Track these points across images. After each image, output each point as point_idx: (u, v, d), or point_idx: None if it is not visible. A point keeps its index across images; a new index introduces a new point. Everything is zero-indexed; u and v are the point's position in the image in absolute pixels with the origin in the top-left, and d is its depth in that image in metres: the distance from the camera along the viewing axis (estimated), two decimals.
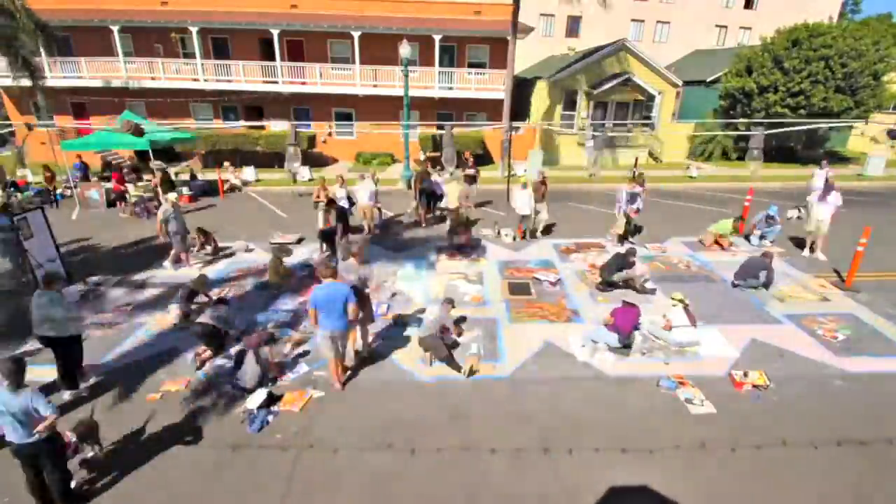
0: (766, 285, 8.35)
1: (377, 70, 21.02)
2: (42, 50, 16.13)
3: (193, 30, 20.04)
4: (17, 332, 6.91)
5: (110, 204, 14.87)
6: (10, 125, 15.77)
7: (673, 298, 7.25)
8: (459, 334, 6.93)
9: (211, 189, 16.68)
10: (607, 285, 8.41)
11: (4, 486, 4.38)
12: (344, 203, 10.92)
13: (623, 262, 8.37)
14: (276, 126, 22.37)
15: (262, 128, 22.44)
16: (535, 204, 11.00)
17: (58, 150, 15.90)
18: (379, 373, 6.16)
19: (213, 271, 9.51)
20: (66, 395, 5.59)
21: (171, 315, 7.48)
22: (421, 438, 4.98)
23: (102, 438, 4.74)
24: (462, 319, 7.35)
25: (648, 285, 8.57)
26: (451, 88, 21.33)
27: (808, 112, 19.47)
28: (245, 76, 20.98)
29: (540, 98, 21.67)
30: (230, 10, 21.25)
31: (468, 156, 20.15)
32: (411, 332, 7.04)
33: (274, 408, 5.40)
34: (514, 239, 11.23)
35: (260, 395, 5.39)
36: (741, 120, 20.69)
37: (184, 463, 4.69)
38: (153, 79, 20.84)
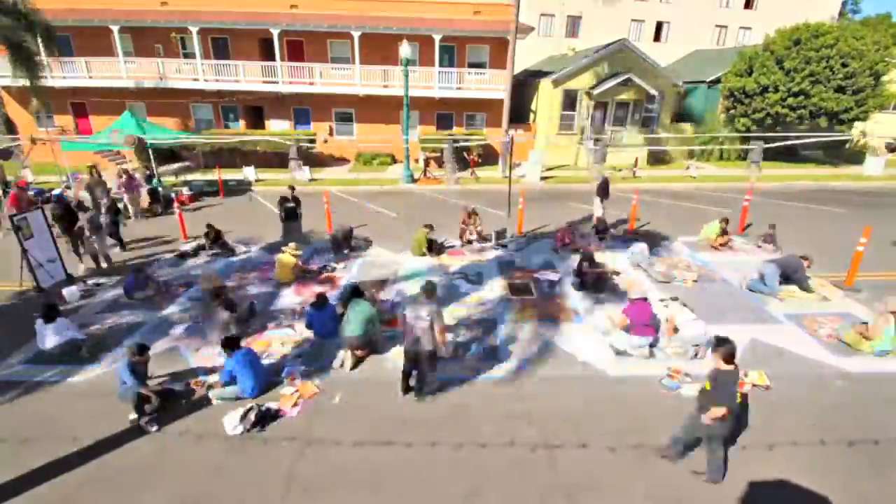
0: (802, 286, 8.22)
1: (377, 70, 21.03)
2: (42, 50, 16.11)
3: (193, 30, 20.03)
4: None
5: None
6: (17, 139, 15.88)
7: (663, 300, 7.18)
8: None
9: (211, 189, 16.69)
10: (582, 286, 8.38)
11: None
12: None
13: (590, 256, 8.50)
14: (277, 126, 22.38)
15: (263, 127, 22.48)
16: None
17: (58, 150, 15.93)
18: (379, 372, 6.16)
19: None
20: None
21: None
22: (421, 437, 4.99)
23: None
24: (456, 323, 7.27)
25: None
26: (453, 88, 21.31)
27: (809, 112, 19.48)
28: (245, 76, 20.98)
29: (544, 98, 21.66)
30: (230, 10, 21.23)
31: (472, 153, 20.33)
32: None
33: (272, 404, 5.41)
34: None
35: (239, 412, 5.20)
36: (742, 132, 20.68)
37: (184, 463, 4.70)
38: (160, 79, 20.84)
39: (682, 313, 6.94)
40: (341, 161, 22.74)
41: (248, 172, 18.60)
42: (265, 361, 6.28)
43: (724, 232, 10.43)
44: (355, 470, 4.59)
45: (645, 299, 6.45)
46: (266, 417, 5.23)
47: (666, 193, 16.43)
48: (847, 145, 24.97)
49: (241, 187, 17.53)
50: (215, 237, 10.54)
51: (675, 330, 6.63)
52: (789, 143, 13.76)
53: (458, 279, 9.00)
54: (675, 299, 7.67)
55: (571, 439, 4.96)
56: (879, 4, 61.62)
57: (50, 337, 6.34)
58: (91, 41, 20.73)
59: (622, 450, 4.82)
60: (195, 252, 10.52)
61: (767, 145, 15.19)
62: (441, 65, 21.03)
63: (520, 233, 11.62)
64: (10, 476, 4.50)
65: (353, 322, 6.12)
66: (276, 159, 20.15)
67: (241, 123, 22.72)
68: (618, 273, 9.05)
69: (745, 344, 6.67)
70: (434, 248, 10.22)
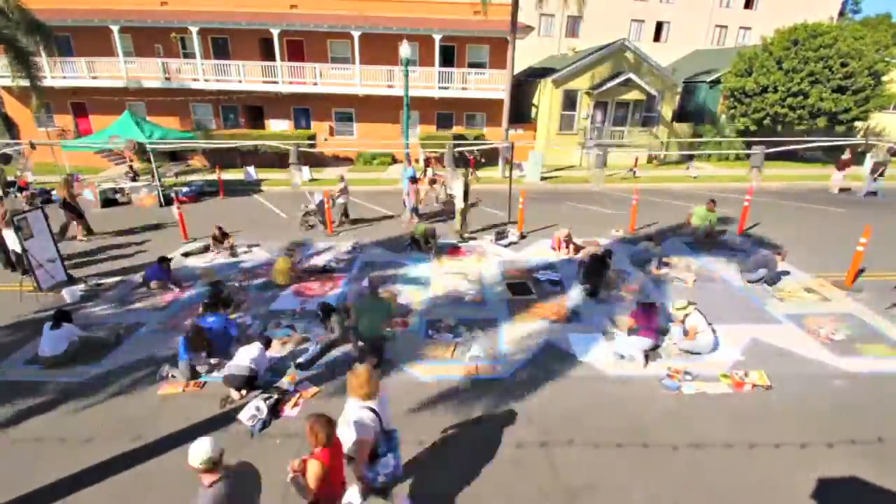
0: (769, 282, 8.37)
1: (377, 70, 21.02)
2: (42, 49, 16.10)
3: (193, 30, 20.03)
4: None
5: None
6: (18, 143, 15.91)
7: (678, 308, 7.02)
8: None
9: (211, 189, 16.68)
10: (591, 294, 8.20)
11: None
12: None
13: (605, 265, 8.42)
14: (276, 126, 22.38)
15: (263, 127, 22.47)
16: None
17: (58, 151, 15.92)
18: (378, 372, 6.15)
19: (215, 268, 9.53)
20: None
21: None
22: (421, 438, 4.98)
23: None
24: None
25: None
26: (453, 88, 21.31)
27: (808, 112, 19.47)
28: (245, 76, 20.98)
29: (544, 98, 21.66)
30: (230, 10, 21.24)
31: (472, 152, 20.46)
32: (411, 331, 7.06)
33: (271, 401, 5.39)
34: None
35: (256, 402, 5.33)
36: (742, 131, 20.65)
37: (183, 464, 4.68)
38: (167, 78, 20.85)
39: (700, 321, 6.71)
40: (342, 161, 22.74)
41: (250, 172, 18.60)
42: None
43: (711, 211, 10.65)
44: None
45: (653, 304, 6.51)
46: (276, 407, 5.38)
47: (666, 193, 16.42)
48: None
49: (245, 187, 17.47)
50: (222, 238, 10.56)
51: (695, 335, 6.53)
52: (791, 148, 13.68)
53: (457, 279, 8.99)
54: (693, 304, 7.43)
55: (571, 439, 4.96)
56: (879, 4, 61.68)
57: (51, 343, 6.30)
58: (91, 41, 20.73)
59: (622, 450, 4.81)
60: (203, 250, 10.59)
61: (769, 150, 15.16)
62: (441, 65, 21.03)
63: (520, 232, 11.61)
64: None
65: (370, 319, 6.01)
66: (276, 159, 20.16)
67: (241, 123, 22.71)
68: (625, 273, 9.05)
69: (745, 344, 6.67)
70: (431, 242, 10.45)
